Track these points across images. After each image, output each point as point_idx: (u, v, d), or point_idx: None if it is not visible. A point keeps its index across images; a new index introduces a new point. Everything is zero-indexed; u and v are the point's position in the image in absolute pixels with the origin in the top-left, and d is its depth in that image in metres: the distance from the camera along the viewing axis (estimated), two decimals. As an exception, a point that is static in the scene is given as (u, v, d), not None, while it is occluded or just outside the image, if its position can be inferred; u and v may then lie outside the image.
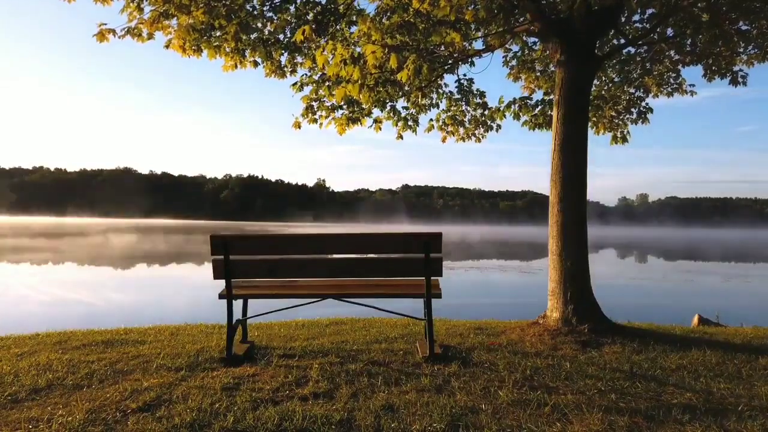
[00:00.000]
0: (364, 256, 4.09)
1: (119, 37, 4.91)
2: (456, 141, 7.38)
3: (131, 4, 4.90)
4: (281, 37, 5.57)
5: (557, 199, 4.89)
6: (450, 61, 6.25)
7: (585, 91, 5.02)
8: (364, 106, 6.30)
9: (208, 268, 4.46)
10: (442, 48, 5.82)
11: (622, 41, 5.87)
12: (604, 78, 6.91)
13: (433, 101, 6.85)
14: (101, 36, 4.83)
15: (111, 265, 20.68)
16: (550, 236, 4.93)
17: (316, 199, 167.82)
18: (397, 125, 6.80)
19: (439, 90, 6.82)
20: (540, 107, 6.81)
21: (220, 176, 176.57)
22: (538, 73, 6.93)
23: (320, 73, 6.13)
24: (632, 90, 6.85)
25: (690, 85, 6.73)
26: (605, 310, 4.88)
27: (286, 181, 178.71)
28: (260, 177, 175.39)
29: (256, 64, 5.62)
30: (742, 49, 5.79)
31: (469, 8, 4.37)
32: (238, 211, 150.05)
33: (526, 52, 6.75)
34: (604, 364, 3.73)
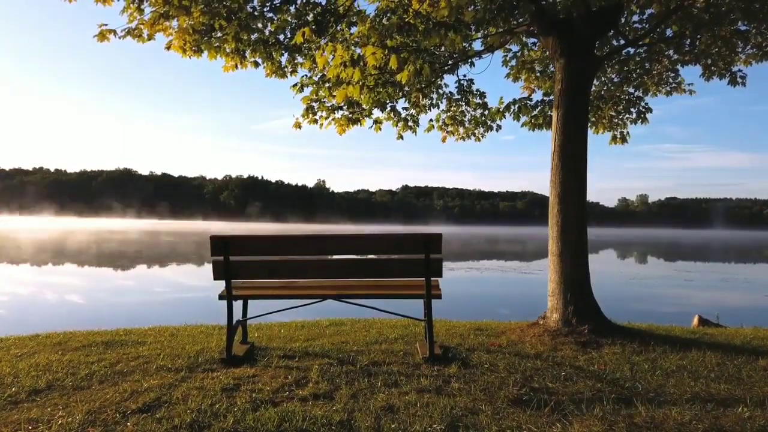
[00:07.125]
0: (364, 257, 4.09)
1: (120, 38, 4.92)
2: (456, 140, 7.40)
3: (131, 5, 4.90)
4: (281, 37, 5.57)
5: (557, 200, 4.89)
6: (450, 62, 6.26)
7: (585, 92, 5.02)
8: (364, 106, 6.31)
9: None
10: (442, 49, 5.83)
11: (622, 41, 5.87)
12: (603, 78, 6.92)
13: (433, 101, 6.86)
14: (102, 36, 4.84)
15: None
16: (550, 237, 4.92)
17: (316, 200, 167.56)
18: (397, 125, 6.81)
19: (439, 90, 6.83)
20: (540, 108, 6.82)
21: (220, 177, 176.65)
22: (538, 74, 6.93)
23: (320, 73, 6.13)
24: (631, 90, 6.86)
25: (688, 84, 6.77)
26: (605, 310, 4.88)
27: (286, 182, 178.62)
28: (260, 178, 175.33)
29: (256, 64, 5.62)
30: (740, 49, 5.80)
31: (469, 9, 4.37)
32: (239, 212, 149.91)
33: (526, 52, 6.76)
34: (604, 364, 3.73)
